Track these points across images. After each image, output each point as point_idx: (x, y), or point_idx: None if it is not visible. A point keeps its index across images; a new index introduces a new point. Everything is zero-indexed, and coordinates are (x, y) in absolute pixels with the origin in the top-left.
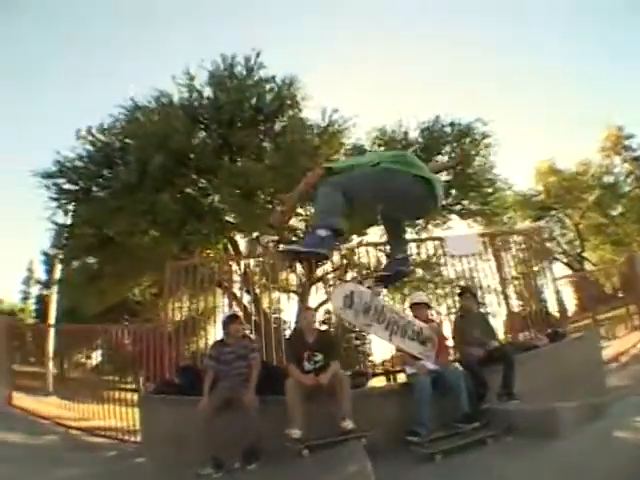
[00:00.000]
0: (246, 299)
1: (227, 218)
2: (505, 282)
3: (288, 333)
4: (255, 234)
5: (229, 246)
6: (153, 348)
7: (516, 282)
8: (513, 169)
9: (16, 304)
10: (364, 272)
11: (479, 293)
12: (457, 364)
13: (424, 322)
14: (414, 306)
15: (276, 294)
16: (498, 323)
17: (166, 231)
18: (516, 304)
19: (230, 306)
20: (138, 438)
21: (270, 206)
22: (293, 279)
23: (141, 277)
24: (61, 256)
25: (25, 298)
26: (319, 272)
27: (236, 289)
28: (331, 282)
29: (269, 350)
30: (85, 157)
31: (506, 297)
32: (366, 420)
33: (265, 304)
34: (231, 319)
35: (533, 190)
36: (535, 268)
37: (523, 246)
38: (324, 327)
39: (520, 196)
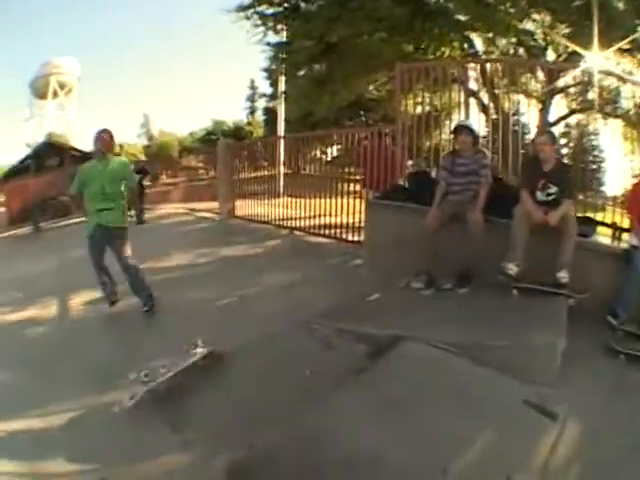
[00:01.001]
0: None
1: (459, 17)
2: None
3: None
4: (490, 35)
5: (465, 45)
6: (384, 149)
7: None
8: None
9: (241, 120)
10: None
11: None
12: None
13: None
14: None
15: (516, 98)
16: None
17: (393, 32)
18: None
19: (467, 105)
20: (358, 237)
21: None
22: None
23: (373, 75)
24: (283, 70)
25: (252, 112)
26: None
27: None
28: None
29: (505, 154)
30: None
31: None
32: (579, 279)
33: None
34: (458, 130)
35: None
36: None
37: None
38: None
39: None
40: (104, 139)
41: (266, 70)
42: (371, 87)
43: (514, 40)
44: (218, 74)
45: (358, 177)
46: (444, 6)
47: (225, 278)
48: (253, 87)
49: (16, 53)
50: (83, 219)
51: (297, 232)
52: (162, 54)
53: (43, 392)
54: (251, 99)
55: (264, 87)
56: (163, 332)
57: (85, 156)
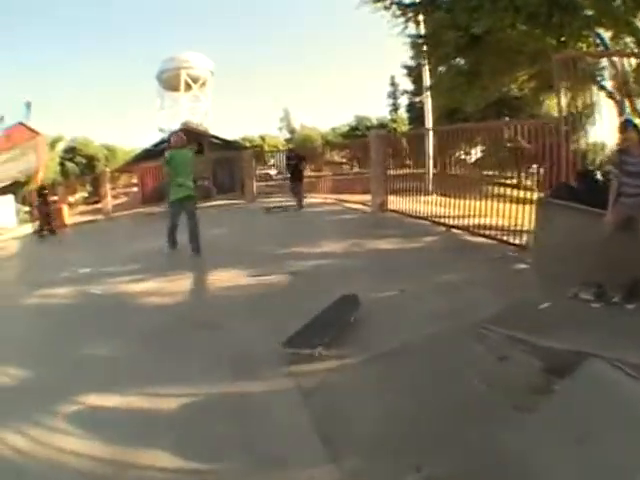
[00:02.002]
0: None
1: (588, 12)
2: None
3: None
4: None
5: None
6: (549, 146)
7: None
8: None
9: (384, 116)
10: None
11: None
12: None
13: None
14: None
15: None
16: None
17: (534, 24)
18: None
19: (621, 104)
20: (519, 240)
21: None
22: None
23: (517, 71)
24: (428, 63)
25: (394, 109)
26: None
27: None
28: None
29: None
30: None
31: None
32: None
33: None
34: (624, 126)
35: None
36: None
37: None
38: None
39: None
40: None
41: (407, 67)
42: (514, 85)
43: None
44: (358, 69)
45: (508, 180)
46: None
47: (381, 272)
48: (394, 84)
49: (145, 45)
50: (221, 202)
51: (454, 230)
52: (298, 48)
53: (164, 368)
54: (393, 96)
55: (405, 84)
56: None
57: (226, 144)
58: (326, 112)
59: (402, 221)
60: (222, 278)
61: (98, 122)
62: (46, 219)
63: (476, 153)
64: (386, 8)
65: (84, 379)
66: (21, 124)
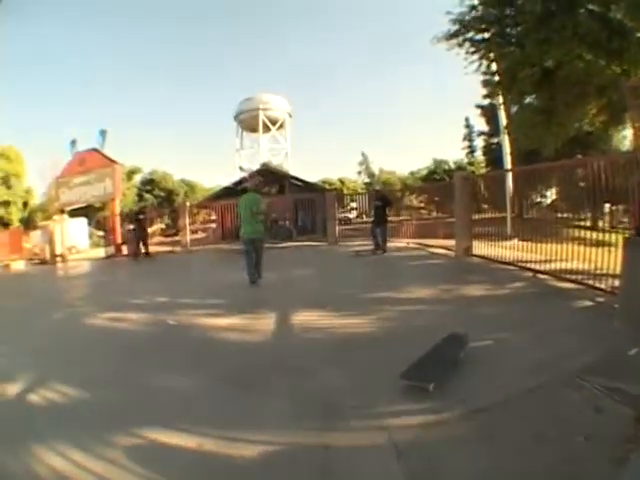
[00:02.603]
0: None
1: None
2: None
3: None
4: None
5: None
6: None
7: None
8: None
9: (461, 159)
10: None
11: None
12: None
13: None
14: None
15: None
16: None
17: (598, 53)
18: None
19: None
20: (604, 284)
21: None
22: None
23: (587, 105)
24: (503, 101)
25: (471, 152)
26: None
27: None
28: None
29: None
30: (480, 3)
31: None
32: None
33: None
34: None
35: None
36: None
37: None
38: None
39: None
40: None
41: (480, 107)
42: (585, 120)
43: None
44: (436, 112)
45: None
46: (624, 24)
47: (472, 319)
48: (469, 125)
49: (223, 86)
50: (302, 243)
51: (540, 275)
52: (372, 90)
53: (241, 410)
54: (468, 138)
55: (480, 125)
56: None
57: (307, 185)
58: (404, 155)
59: (488, 267)
60: (305, 318)
61: (175, 157)
62: (140, 243)
63: (551, 195)
64: (459, 45)
65: (150, 411)
66: (95, 150)
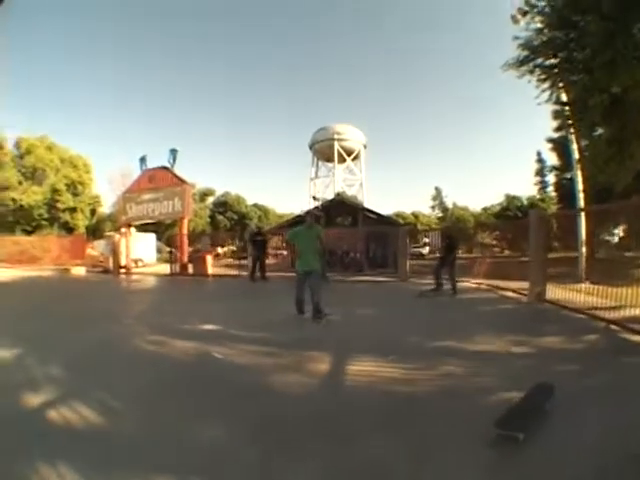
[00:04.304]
0: None
1: None
2: None
3: None
4: None
5: None
6: None
7: None
8: None
9: (534, 196)
10: None
11: None
12: None
13: None
14: None
15: None
16: None
17: None
18: None
19: None
20: None
21: None
22: None
23: None
24: (572, 134)
25: (543, 187)
26: None
27: None
28: None
29: None
30: (545, 26)
31: None
32: None
33: None
34: None
35: None
36: None
37: None
38: None
39: None
40: (312, 216)
41: (551, 140)
42: None
43: None
44: (509, 146)
45: None
46: None
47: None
48: (540, 160)
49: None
50: (372, 277)
51: (613, 326)
52: (446, 127)
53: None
54: (540, 173)
55: (552, 159)
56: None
57: (380, 218)
58: (478, 190)
59: (560, 315)
60: (361, 369)
61: (249, 181)
62: (257, 265)
63: (619, 232)
64: (530, 72)
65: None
66: (165, 168)
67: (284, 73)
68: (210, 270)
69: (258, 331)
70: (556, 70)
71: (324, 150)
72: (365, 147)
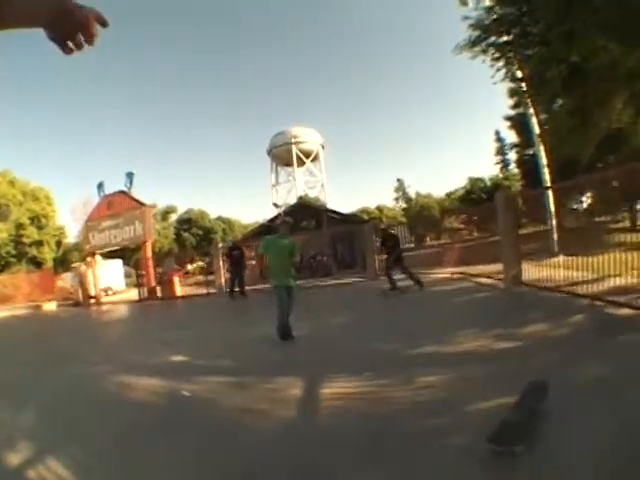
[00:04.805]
0: None
1: None
2: None
3: None
4: None
5: None
6: None
7: None
8: None
9: (497, 175)
10: None
11: None
12: None
13: None
14: None
15: None
16: None
17: (622, 40)
18: None
19: None
20: None
21: None
22: None
23: (616, 99)
24: (531, 109)
25: (505, 166)
26: None
27: None
28: None
29: None
30: (496, 3)
31: None
32: None
33: None
34: None
35: None
36: None
37: None
38: None
39: None
40: (285, 224)
41: (509, 118)
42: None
43: None
44: (468, 129)
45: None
46: None
47: (536, 374)
48: (500, 139)
49: (255, 121)
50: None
51: (597, 302)
52: (405, 114)
53: None
54: (501, 152)
55: (511, 137)
56: None
57: (344, 218)
58: (441, 177)
59: (541, 297)
60: (337, 392)
61: (212, 194)
62: (235, 281)
63: (586, 200)
64: (484, 51)
65: None
66: (122, 192)
67: (236, 79)
68: (179, 291)
69: (226, 359)
70: (510, 47)
71: (282, 155)
72: (323, 147)
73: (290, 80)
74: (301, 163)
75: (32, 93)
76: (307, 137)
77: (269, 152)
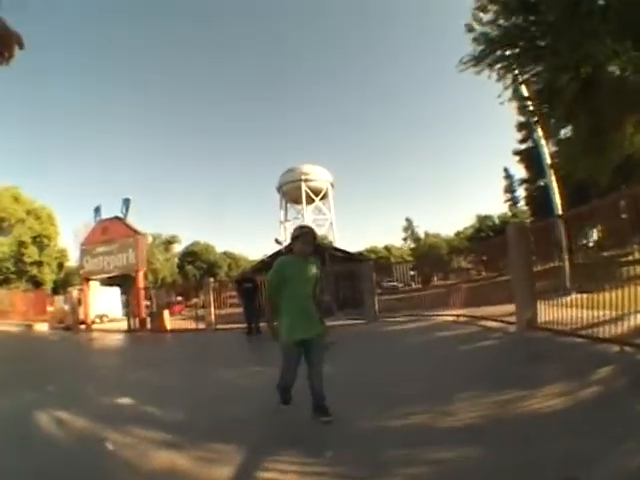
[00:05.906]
0: None
1: None
2: None
3: None
4: None
5: None
6: None
7: None
8: None
9: (505, 213)
10: None
11: None
12: None
13: None
14: None
15: None
16: None
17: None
18: None
19: None
20: None
21: None
22: None
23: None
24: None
25: (514, 203)
26: None
27: None
28: None
29: None
30: (499, 17)
31: None
32: None
33: None
34: None
35: None
36: None
37: None
38: None
39: None
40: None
41: (518, 152)
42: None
43: None
44: (477, 168)
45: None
46: None
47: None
48: (509, 176)
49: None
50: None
51: (627, 348)
52: (416, 155)
53: None
54: (510, 189)
55: (520, 172)
56: None
57: (349, 256)
58: (450, 215)
59: (556, 343)
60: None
61: (218, 229)
62: (252, 316)
63: (597, 233)
64: (489, 65)
65: None
66: (118, 219)
67: (251, 115)
68: (169, 325)
69: (177, 410)
70: (518, 61)
71: (292, 192)
72: (332, 185)
73: (302, 119)
74: (310, 201)
75: (49, 116)
76: (317, 175)
77: (279, 189)
